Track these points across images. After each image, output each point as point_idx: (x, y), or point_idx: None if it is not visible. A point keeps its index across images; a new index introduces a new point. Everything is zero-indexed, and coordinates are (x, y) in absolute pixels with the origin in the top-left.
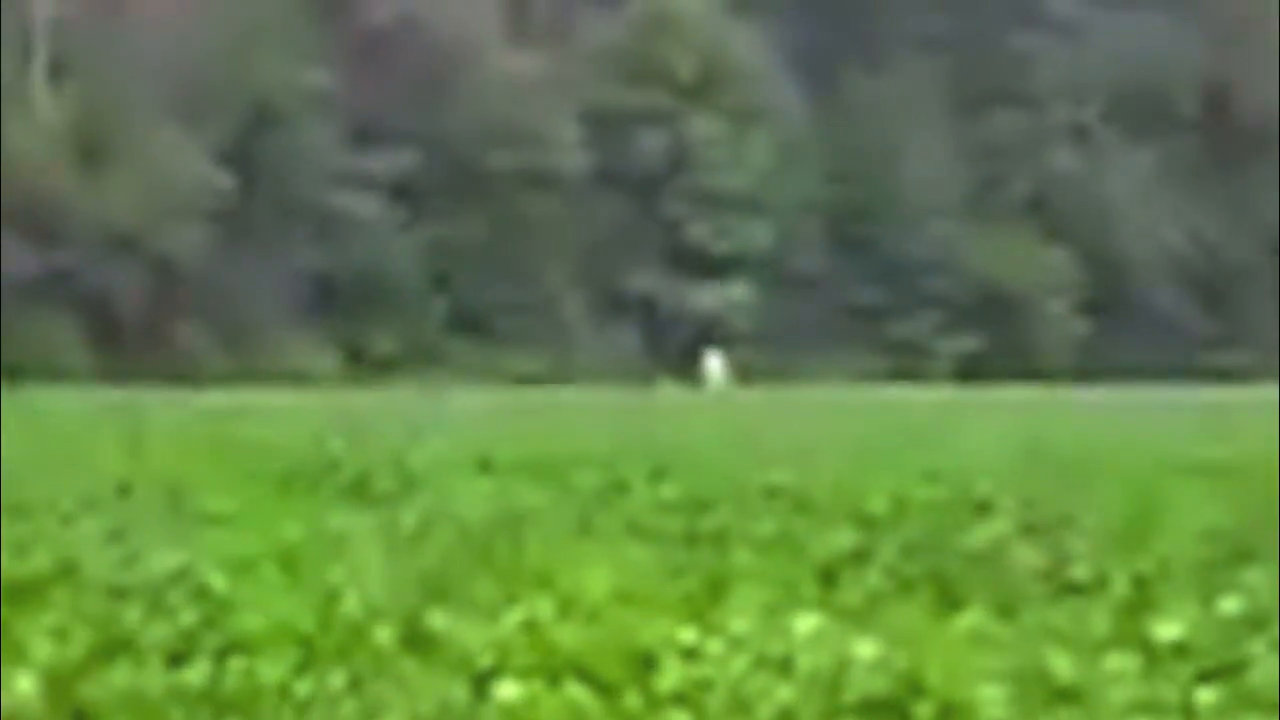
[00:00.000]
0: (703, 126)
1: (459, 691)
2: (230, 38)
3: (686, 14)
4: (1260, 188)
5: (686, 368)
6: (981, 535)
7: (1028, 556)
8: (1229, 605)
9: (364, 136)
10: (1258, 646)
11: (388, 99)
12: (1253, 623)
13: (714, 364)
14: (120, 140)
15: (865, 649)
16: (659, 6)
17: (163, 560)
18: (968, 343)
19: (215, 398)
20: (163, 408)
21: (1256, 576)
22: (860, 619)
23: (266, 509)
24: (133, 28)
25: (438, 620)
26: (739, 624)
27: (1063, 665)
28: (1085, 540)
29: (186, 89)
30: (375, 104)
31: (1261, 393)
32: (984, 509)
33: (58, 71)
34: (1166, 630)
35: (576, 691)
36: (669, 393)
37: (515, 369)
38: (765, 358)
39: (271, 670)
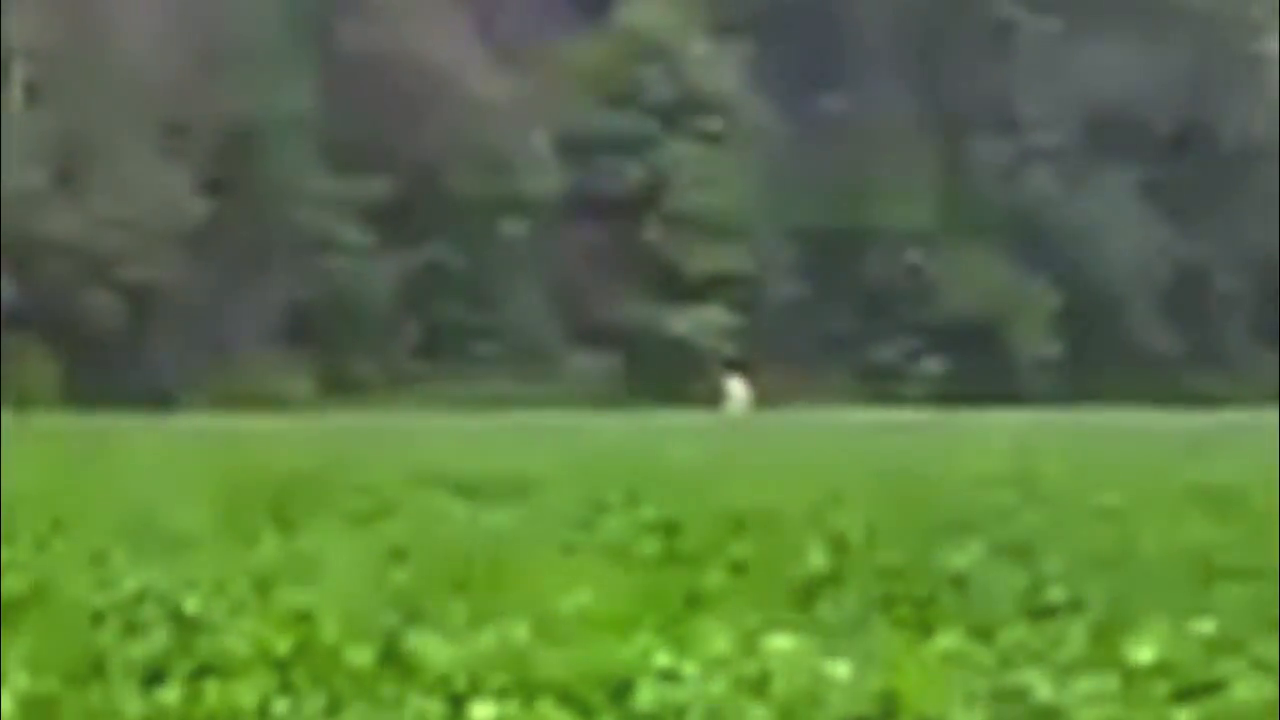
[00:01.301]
0: (679, 150)
1: (435, 712)
2: (207, 62)
3: (663, 38)
4: (1237, 212)
5: (663, 392)
6: (958, 557)
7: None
8: (1205, 626)
9: (341, 161)
10: (1234, 667)
11: (365, 124)
12: (1229, 643)
13: (735, 387)
14: (97, 165)
15: (841, 670)
16: (636, 30)
17: (137, 582)
18: (944, 366)
19: (190, 421)
20: (137, 431)
21: (1233, 597)
22: (837, 640)
23: (241, 531)
24: (110, 52)
25: (414, 641)
26: (716, 646)
27: (1039, 686)
28: (1061, 561)
29: (163, 113)
30: (352, 129)
31: (1237, 416)
32: (960, 531)
33: (34, 95)
34: (1143, 651)
35: (553, 713)
36: (689, 416)
37: (491, 393)
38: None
39: (248, 692)
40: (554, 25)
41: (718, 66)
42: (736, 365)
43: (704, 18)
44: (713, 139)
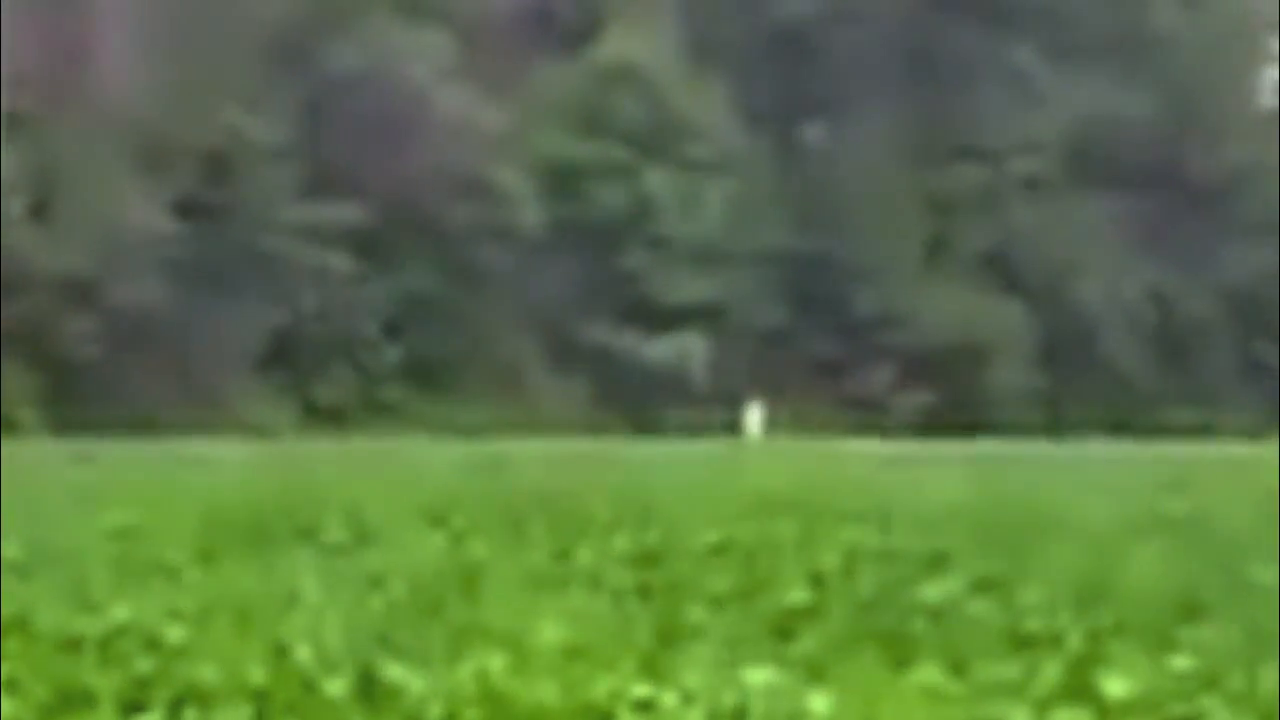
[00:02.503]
0: (659, 179)
1: None
2: (185, 88)
3: (643, 66)
4: (1215, 241)
5: (640, 420)
6: (935, 590)
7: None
8: (1182, 662)
9: (320, 187)
10: (1210, 703)
11: (344, 150)
12: (1206, 680)
13: (753, 416)
14: (74, 190)
15: (819, 703)
16: (616, 58)
17: (116, 611)
18: (923, 396)
19: (168, 448)
20: (115, 458)
21: (1210, 633)
22: (814, 673)
23: (219, 559)
24: (88, 78)
25: (390, 672)
26: (692, 678)
27: (1016, 719)
28: (1039, 594)
29: (141, 139)
30: (332, 155)
31: (1217, 449)
32: (938, 563)
33: (12, 122)
34: (1118, 686)
35: None
36: (706, 445)
37: (469, 421)
38: (720, 411)
39: None
40: (535, 52)
41: (698, 95)
42: (754, 394)
43: (684, 46)
44: (692, 167)
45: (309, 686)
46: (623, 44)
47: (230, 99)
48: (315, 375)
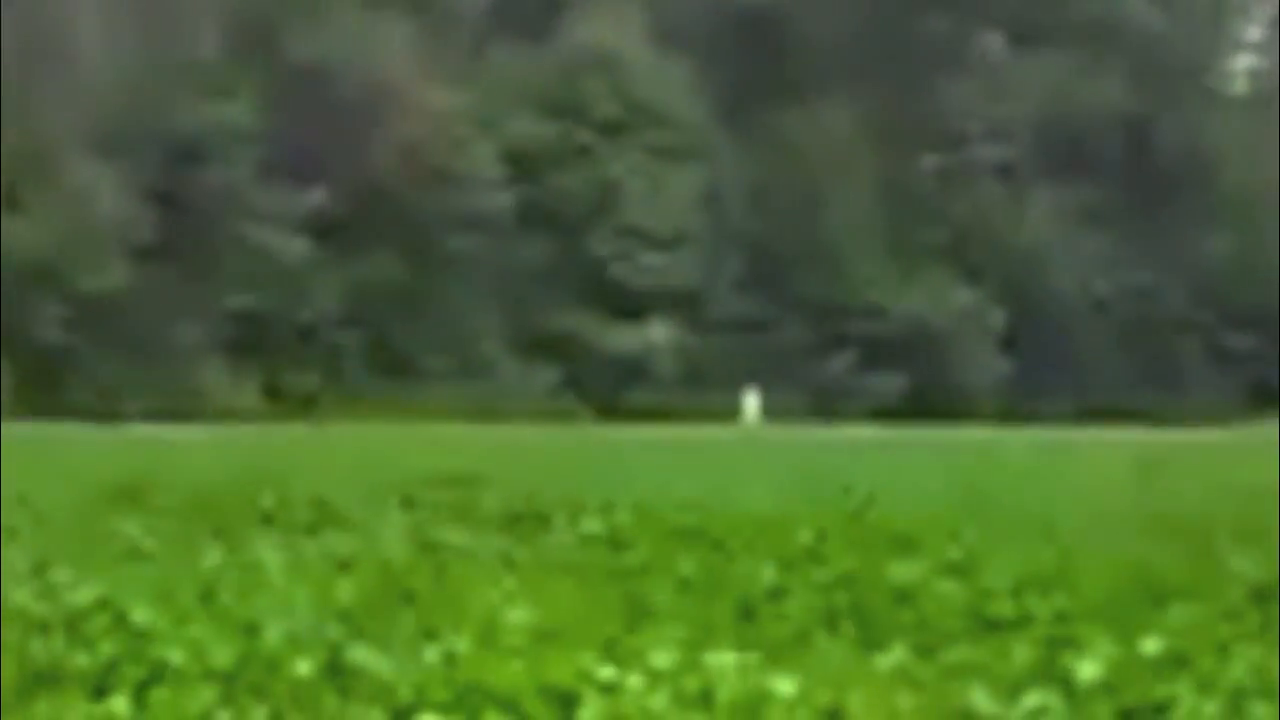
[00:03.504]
0: (626, 164)
1: None
2: (152, 74)
3: (610, 51)
4: (1183, 228)
5: (607, 406)
6: (903, 573)
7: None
8: (1151, 645)
9: (286, 174)
10: (1180, 687)
11: (311, 136)
12: (1175, 662)
13: (750, 401)
14: (42, 176)
15: (785, 685)
16: (582, 44)
17: (83, 592)
18: (890, 382)
19: (136, 432)
20: (83, 442)
21: (1180, 616)
22: (782, 656)
23: (187, 542)
24: (57, 65)
25: (358, 654)
26: (659, 659)
27: (983, 702)
28: (1007, 579)
29: (108, 125)
30: (297, 141)
31: (1185, 434)
32: (906, 547)
33: None
34: (1088, 669)
35: None
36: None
37: (436, 406)
38: (687, 396)
39: (192, 702)
40: (500, 38)
41: (664, 80)
42: (751, 381)
43: (650, 32)
44: (659, 153)
45: (275, 668)
46: (589, 30)
47: (197, 86)
48: (282, 360)
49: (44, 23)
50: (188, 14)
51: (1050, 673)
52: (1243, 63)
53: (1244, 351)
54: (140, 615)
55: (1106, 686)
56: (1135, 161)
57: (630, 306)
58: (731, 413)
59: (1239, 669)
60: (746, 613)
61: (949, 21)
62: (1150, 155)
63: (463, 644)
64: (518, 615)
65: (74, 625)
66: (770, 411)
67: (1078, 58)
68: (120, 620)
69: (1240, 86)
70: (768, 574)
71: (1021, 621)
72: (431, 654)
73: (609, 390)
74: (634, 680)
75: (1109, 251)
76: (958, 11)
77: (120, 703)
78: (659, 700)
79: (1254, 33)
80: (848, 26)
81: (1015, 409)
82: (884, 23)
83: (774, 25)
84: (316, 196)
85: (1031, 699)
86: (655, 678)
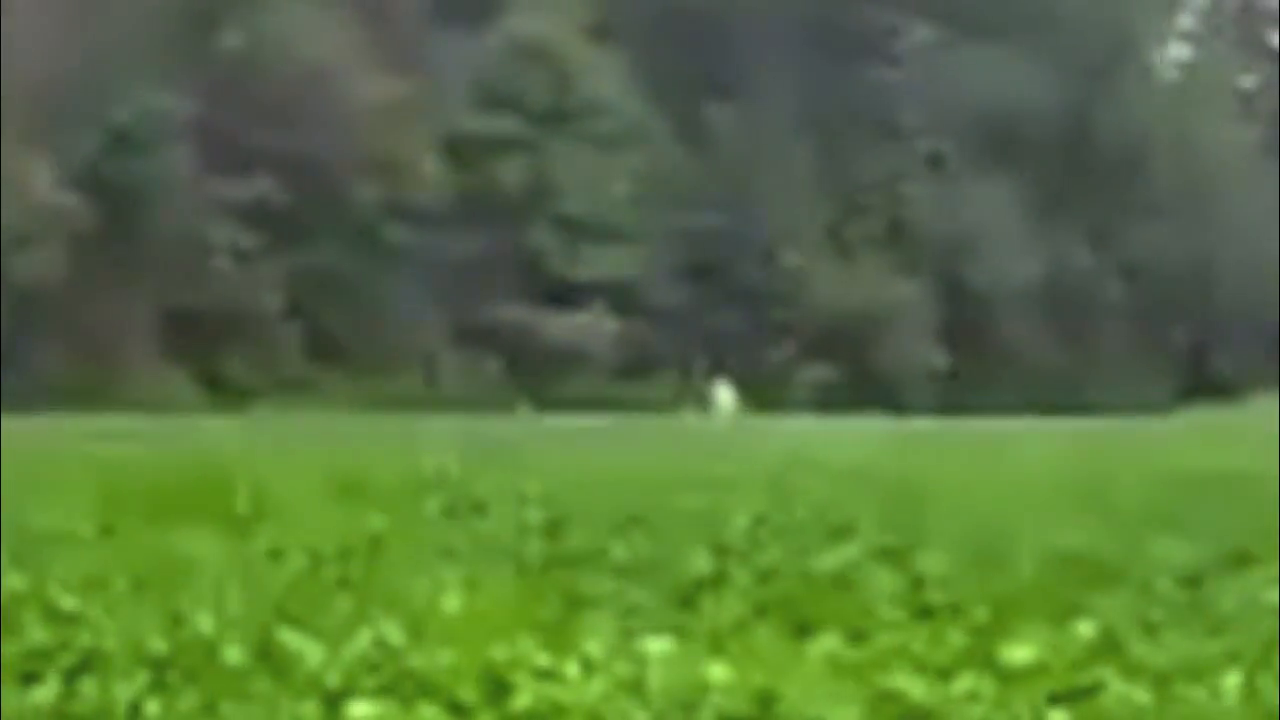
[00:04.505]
0: (563, 154)
1: (311, 712)
2: (86, 61)
3: (546, 41)
4: (1119, 219)
5: (544, 395)
6: (836, 559)
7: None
8: (1083, 629)
9: (222, 162)
10: (1110, 670)
11: (246, 125)
12: (1106, 646)
13: (723, 393)
14: None
15: (719, 672)
16: (518, 34)
17: (12, 580)
18: (825, 372)
19: (68, 422)
20: (14, 431)
21: (1111, 601)
22: (715, 643)
23: (118, 529)
24: None
25: (289, 640)
26: (593, 647)
27: (915, 688)
28: (940, 564)
29: (41, 113)
30: (233, 130)
31: (1121, 424)
32: (840, 534)
33: None
34: (1019, 653)
35: (429, 712)
36: (686, 421)
37: (373, 396)
38: (623, 386)
39: (123, 690)
40: (438, 28)
41: (601, 71)
42: (720, 372)
43: (587, 22)
44: (596, 143)
45: (207, 655)
46: (526, 20)
47: (133, 74)
48: (218, 351)
49: None
50: (124, 2)
51: (983, 658)
52: (1176, 52)
53: (1180, 342)
54: (70, 602)
55: (1037, 670)
56: (1070, 152)
57: (569, 296)
58: (667, 402)
59: (1167, 654)
60: (682, 600)
61: (884, 13)
62: (1085, 146)
63: (395, 631)
64: (451, 602)
65: (4, 613)
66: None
67: (1012, 48)
68: (50, 608)
69: (1173, 75)
70: (702, 562)
71: (955, 607)
72: (363, 640)
73: (547, 380)
74: (569, 667)
75: (1044, 242)
76: (892, 3)
77: (50, 690)
78: (594, 688)
79: (1186, 22)
80: (784, 18)
81: (951, 400)
82: (819, 14)
83: (711, 16)
84: (254, 186)
85: (962, 683)
86: (590, 664)
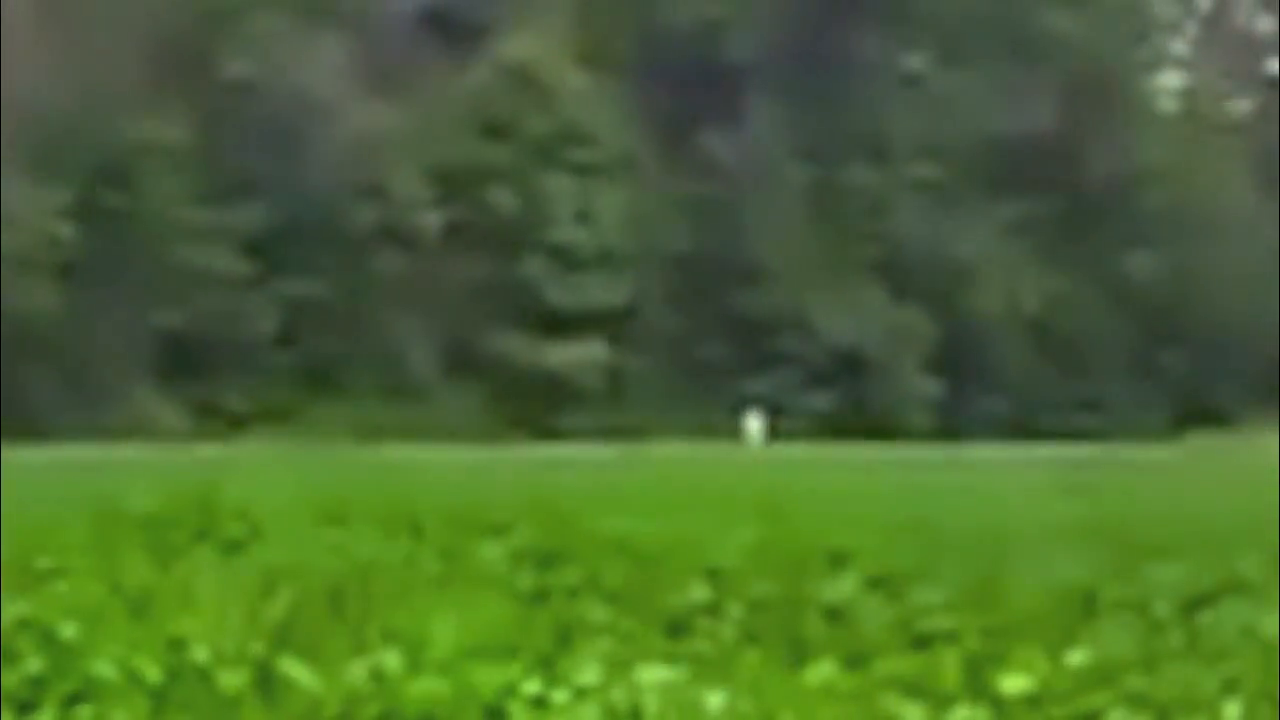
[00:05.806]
0: (555, 183)
1: None
2: (82, 91)
3: (539, 70)
4: (1112, 246)
5: (537, 426)
6: (833, 589)
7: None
8: (1078, 658)
9: (217, 191)
10: (1106, 699)
11: (240, 154)
12: (1101, 676)
13: (753, 424)
14: None
15: (714, 700)
16: (511, 62)
17: (11, 609)
18: (819, 400)
19: (64, 452)
20: (11, 462)
21: (1106, 630)
22: (711, 671)
23: (116, 559)
24: None
25: (286, 669)
26: (586, 675)
27: (912, 716)
28: (937, 594)
29: (36, 142)
30: (227, 159)
31: (1114, 451)
32: (836, 563)
33: None
34: (1016, 682)
35: None
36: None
37: (367, 425)
38: (616, 415)
39: (121, 717)
40: (430, 57)
41: (593, 100)
42: (755, 402)
43: (580, 51)
44: (588, 172)
45: (204, 683)
46: (519, 48)
47: (127, 103)
48: (211, 379)
49: None
50: (118, 31)
51: (979, 687)
52: (1171, 80)
53: (1173, 369)
54: (68, 631)
55: (1034, 700)
56: (1064, 179)
57: (561, 325)
58: (657, 430)
59: (1167, 684)
60: (676, 628)
61: (878, 40)
62: (1079, 173)
63: (391, 659)
64: (446, 631)
65: (3, 642)
66: (701, 430)
67: (1007, 75)
68: (49, 636)
69: (1168, 104)
70: (698, 590)
71: (951, 636)
72: (360, 669)
73: (540, 409)
74: (560, 695)
75: (1038, 269)
76: (886, 30)
77: (48, 718)
78: (587, 715)
79: (1180, 49)
80: (776, 45)
81: (945, 427)
82: (812, 41)
83: (702, 44)
84: (247, 214)
85: (960, 713)
86: (582, 692)
